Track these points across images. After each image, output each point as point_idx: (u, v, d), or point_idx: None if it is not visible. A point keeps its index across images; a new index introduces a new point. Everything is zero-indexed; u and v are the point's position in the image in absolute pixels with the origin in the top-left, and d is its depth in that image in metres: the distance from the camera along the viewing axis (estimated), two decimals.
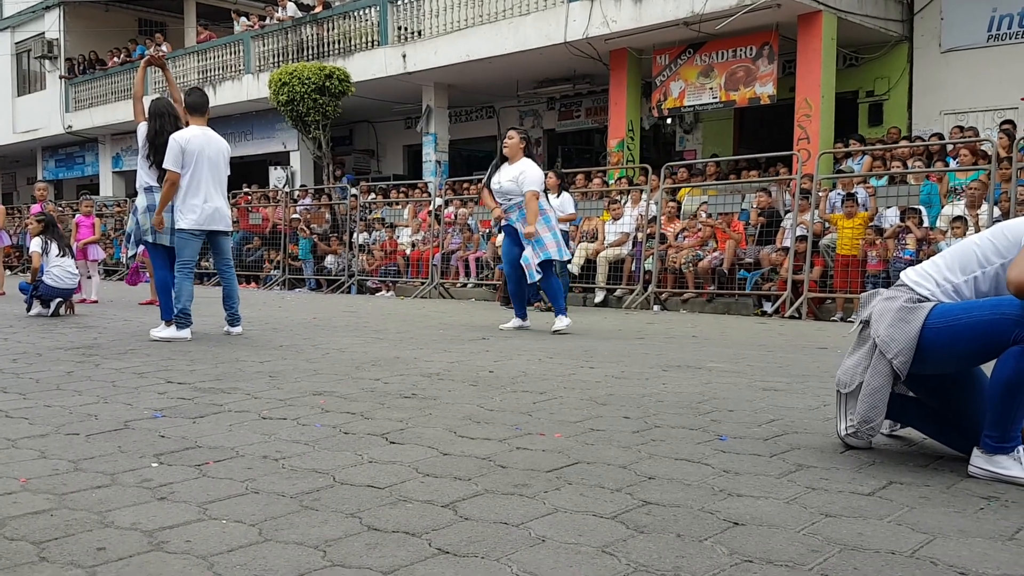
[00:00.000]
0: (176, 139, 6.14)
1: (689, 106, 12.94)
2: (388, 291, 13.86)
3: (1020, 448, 2.51)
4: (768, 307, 9.61)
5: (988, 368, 2.61)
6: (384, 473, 2.67)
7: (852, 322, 8.56)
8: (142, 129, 6.43)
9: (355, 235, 14.60)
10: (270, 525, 2.13)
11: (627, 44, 12.93)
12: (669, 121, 14.93)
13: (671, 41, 12.57)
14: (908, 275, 2.74)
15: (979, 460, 2.55)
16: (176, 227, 6.26)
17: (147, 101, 6.72)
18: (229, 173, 6.57)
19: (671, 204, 10.95)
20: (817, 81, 11.44)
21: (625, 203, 11.54)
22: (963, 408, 2.70)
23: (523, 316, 7.42)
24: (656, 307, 10.34)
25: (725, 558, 1.91)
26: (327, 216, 15.79)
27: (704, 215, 10.67)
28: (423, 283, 13.20)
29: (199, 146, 6.21)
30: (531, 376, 4.60)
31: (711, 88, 12.44)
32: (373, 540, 2.03)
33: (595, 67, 14.25)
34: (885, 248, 8.84)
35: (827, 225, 9.64)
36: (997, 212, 8.37)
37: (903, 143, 10.97)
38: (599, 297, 11.14)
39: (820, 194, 9.82)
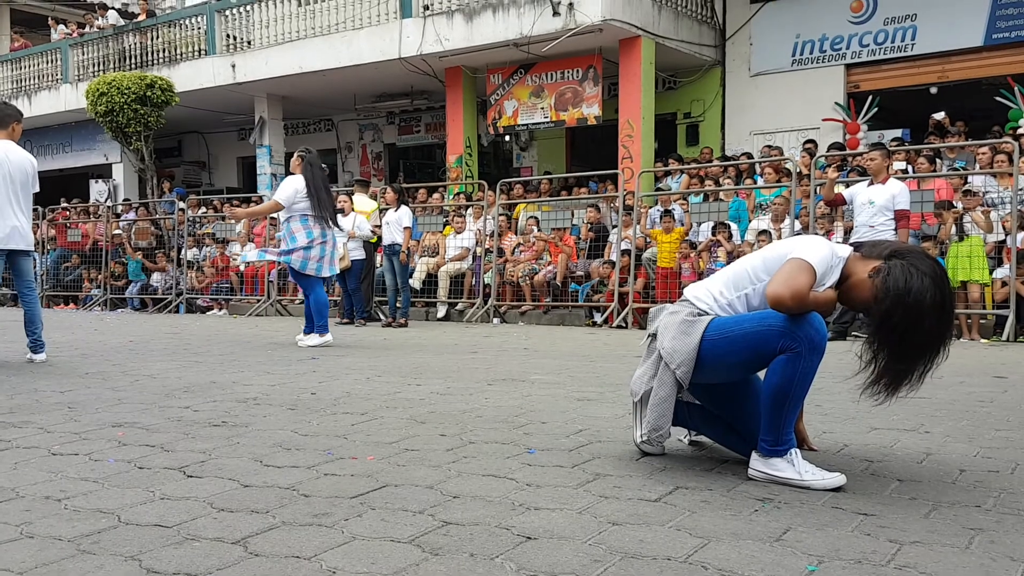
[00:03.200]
0: None
1: (523, 125, 13.26)
2: (221, 309, 13.33)
3: (793, 451, 2.71)
4: (598, 318, 9.98)
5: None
6: (174, 510, 2.55)
7: None
8: None
9: (183, 251, 13.94)
10: (40, 572, 1.99)
11: (461, 62, 13.11)
12: (508, 138, 15.24)
13: (503, 61, 12.85)
14: (690, 291, 2.93)
15: (756, 463, 2.75)
16: None
17: None
18: (37, 189, 6.12)
19: (503, 219, 11.18)
20: (638, 103, 12.02)
21: (465, 219, 11.68)
22: (741, 414, 2.91)
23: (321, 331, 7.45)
24: (496, 320, 10.50)
25: (512, 575, 1.96)
26: (152, 231, 14.99)
27: (536, 229, 10.95)
28: (259, 300, 12.78)
29: None
30: (355, 396, 4.55)
31: (542, 108, 12.81)
32: None
33: (432, 83, 14.34)
34: (699, 261, 9.40)
35: (648, 240, 10.14)
36: (798, 226, 9.08)
37: (716, 162, 11.72)
38: (441, 312, 11.19)
39: (642, 210, 10.32)
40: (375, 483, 2.83)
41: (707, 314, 2.81)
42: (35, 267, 8.32)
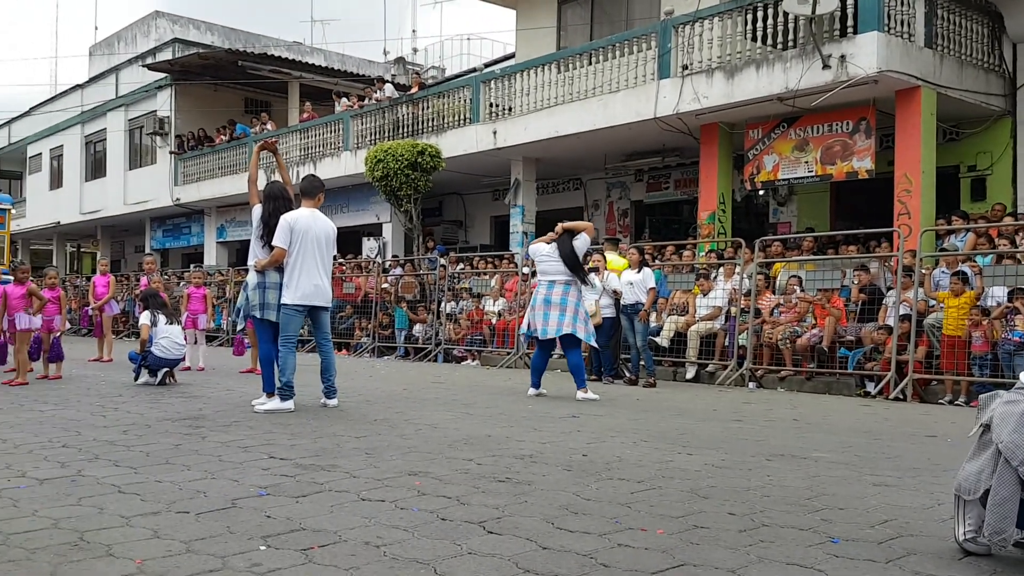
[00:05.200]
0: (285, 219, 6.45)
1: (784, 179, 12.77)
2: (474, 360, 13.93)
3: None
4: (871, 388, 9.23)
5: None
6: (485, 567, 2.63)
7: (960, 406, 8.17)
8: (257, 211, 6.75)
9: (443, 304, 14.81)
10: None
11: (718, 119, 12.93)
12: (762, 193, 14.76)
13: (764, 116, 12.50)
14: None
15: None
16: (281, 302, 6.49)
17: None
18: (335, 253, 6.79)
19: (761, 277, 10.74)
20: (917, 156, 11.15)
21: (716, 277, 11.38)
22: None
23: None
24: (751, 384, 10.06)
25: None
26: (416, 285, 16.10)
27: (799, 290, 10.41)
28: (508, 353, 13.23)
29: (306, 226, 6.48)
30: (626, 462, 4.51)
31: (806, 162, 12.26)
32: None
33: (685, 140, 14.27)
34: (992, 329, 8.42)
35: (931, 303, 9.26)
36: None
37: (1008, 220, 10.53)
38: (691, 373, 10.92)
39: (924, 271, 9.48)
40: (672, 560, 2.76)
41: None
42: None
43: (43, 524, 3.00)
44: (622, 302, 10.02)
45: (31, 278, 9.19)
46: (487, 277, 15.33)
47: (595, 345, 8.88)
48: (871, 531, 3.19)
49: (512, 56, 20.43)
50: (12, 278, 9.20)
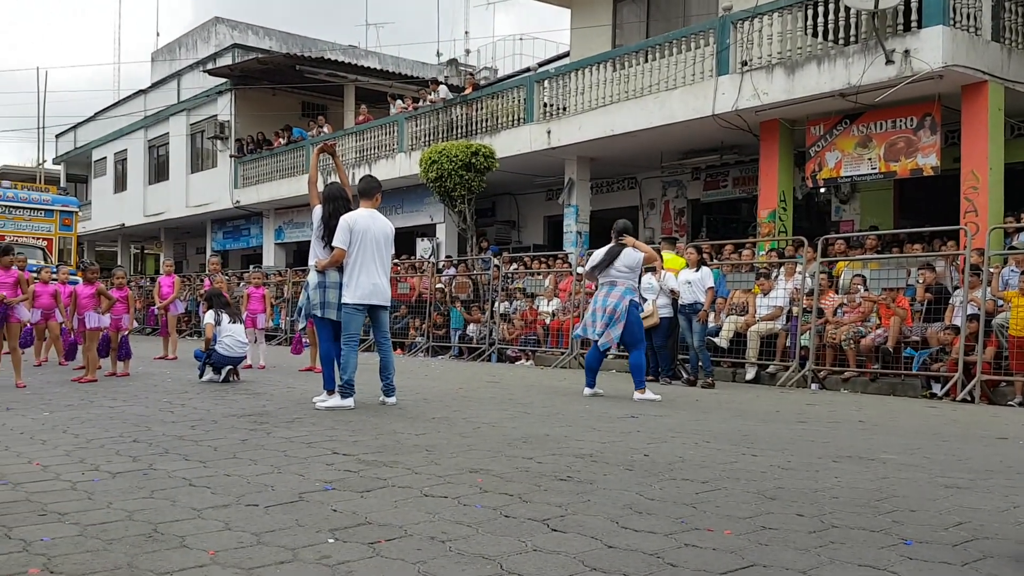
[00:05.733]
0: (345, 219, 6.54)
1: (846, 177, 12.50)
2: (527, 360, 13.93)
3: None
4: (938, 389, 8.97)
5: None
6: (551, 564, 2.62)
7: None
8: (317, 212, 6.85)
9: (496, 304, 14.84)
10: None
11: (778, 115, 12.71)
12: (824, 191, 14.46)
13: (826, 112, 12.25)
14: None
15: None
16: (342, 302, 6.57)
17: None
18: (393, 252, 6.86)
19: (823, 277, 10.52)
20: (984, 152, 10.80)
21: (777, 276, 11.18)
22: None
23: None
24: (814, 386, 9.86)
25: None
26: (470, 285, 16.17)
27: (862, 289, 10.16)
28: (563, 353, 13.19)
29: (365, 226, 6.56)
30: (690, 462, 4.45)
31: (870, 159, 11.98)
32: None
33: (744, 137, 14.06)
34: None
35: (999, 303, 8.96)
36: None
37: None
38: (750, 374, 10.75)
39: (991, 270, 9.18)
40: (741, 560, 2.72)
41: None
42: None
43: (118, 516, 3.08)
44: (680, 302, 9.92)
45: (99, 278, 9.46)
46: (541, 277, 15.31)
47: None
48: (944, 533, 3.10)
49: (566, 55, 20.40)
50: (80, 278, 9.51)
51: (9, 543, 2.73)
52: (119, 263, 34.40)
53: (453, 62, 29.35)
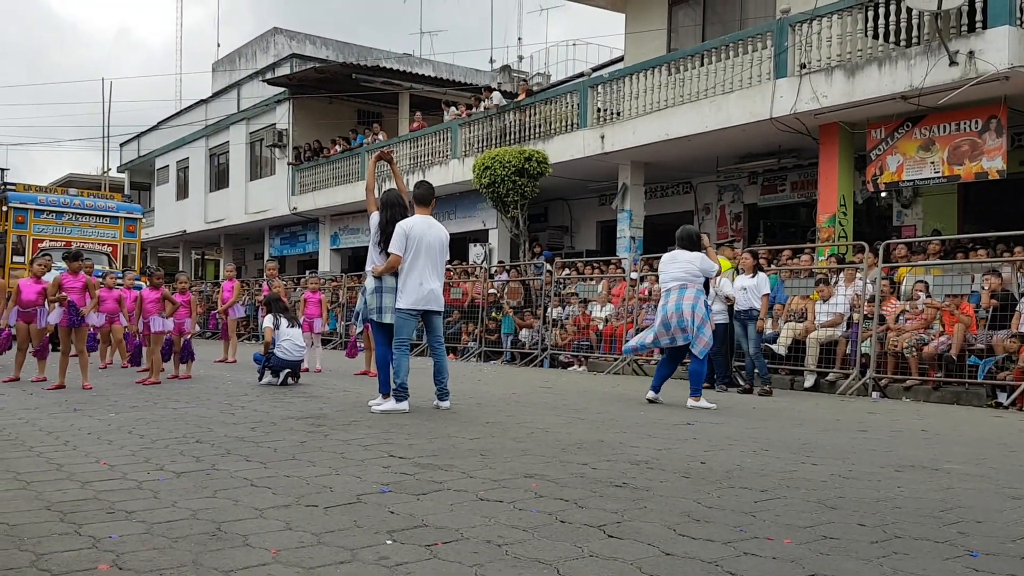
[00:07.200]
0: (401, 226, 6.62)
1: (908, 180, 12.19)
2: (580, 366, 13.89)
3: None
4: (1003, 398, 8.69)
5: None
6: (608, 570, 2.62)
7: None
8: (375, 218, 6.95)
9: (549, 309, 14.83)
10: None
11: (838, 118, 12.47)
12: (885, 195, 14.12)
13: (887, 115, 11.97)
14: None
15: None
16: (396, 307, 6.65)
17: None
18: (448, 258, 6.91)
19: (885, 283, 10.27)
20: None
21: (837, 282, 10.95)
22: None
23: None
24: (875, 394, 9.63)
25: None
26: (522, 291, 16.19)
27: (925, 295, 9.90)
28: (616, 359, 13.12)
29: (420, 233, 6.63)
30: (747, 471, 4.39)
31: (932, 162, 11.67)
32: None
33: (802, 141, 13.82)
34: None
35: None
36: None
37: None
38: (809, 381, 10.55)
39: None
40: (802, 570, 2.68)
41: None
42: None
43: (183, 515, 3.17)
44: (735, 307, 9.79)
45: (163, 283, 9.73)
46: (594, 282, 15.26)
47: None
48: (1012, 545, 3.01)
49: (620, 60, 20.31)
50: (145, 283, 9.79)
51: (79, 540, 2.82)
52: (181, 268, 35.32)
53: (506, 68, 29.47)
